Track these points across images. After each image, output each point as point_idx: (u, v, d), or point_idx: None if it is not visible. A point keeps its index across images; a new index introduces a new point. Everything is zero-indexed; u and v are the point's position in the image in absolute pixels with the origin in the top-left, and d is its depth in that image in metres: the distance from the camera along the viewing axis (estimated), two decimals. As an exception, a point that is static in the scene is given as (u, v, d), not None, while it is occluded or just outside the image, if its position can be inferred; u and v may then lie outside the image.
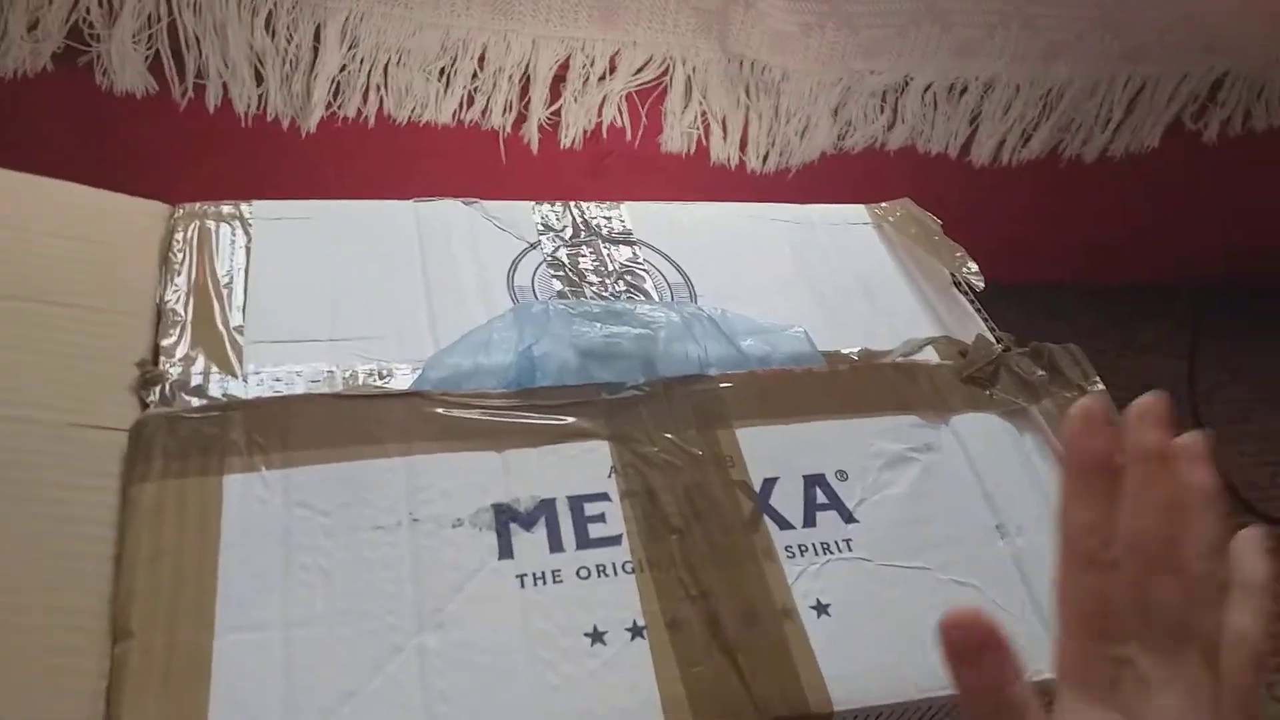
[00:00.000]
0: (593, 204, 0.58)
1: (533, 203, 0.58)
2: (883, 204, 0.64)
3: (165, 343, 0.46)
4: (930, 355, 0.54)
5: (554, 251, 0.55)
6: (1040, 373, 0.51)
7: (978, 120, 0.87)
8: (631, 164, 0.81)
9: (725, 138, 0.82)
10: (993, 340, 0.54)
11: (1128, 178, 0.92)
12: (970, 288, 0.57)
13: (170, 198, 0.53)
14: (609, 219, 0.58)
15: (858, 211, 0.64)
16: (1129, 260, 1.02)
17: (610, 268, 0.55)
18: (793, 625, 0.41)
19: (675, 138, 0.81)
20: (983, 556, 0.45)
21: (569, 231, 0.57)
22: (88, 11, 0.64)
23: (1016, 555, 0.46)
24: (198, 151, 0.72)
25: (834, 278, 0.58)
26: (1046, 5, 0.80)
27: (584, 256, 0.55)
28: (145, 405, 0.43)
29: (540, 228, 0.56)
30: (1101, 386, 0.50)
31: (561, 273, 0.54)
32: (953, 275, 0.59)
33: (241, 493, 0.41)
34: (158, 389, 0.43)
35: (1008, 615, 0.43)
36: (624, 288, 0.54)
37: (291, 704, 0.36)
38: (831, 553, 0.44)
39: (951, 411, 0.50)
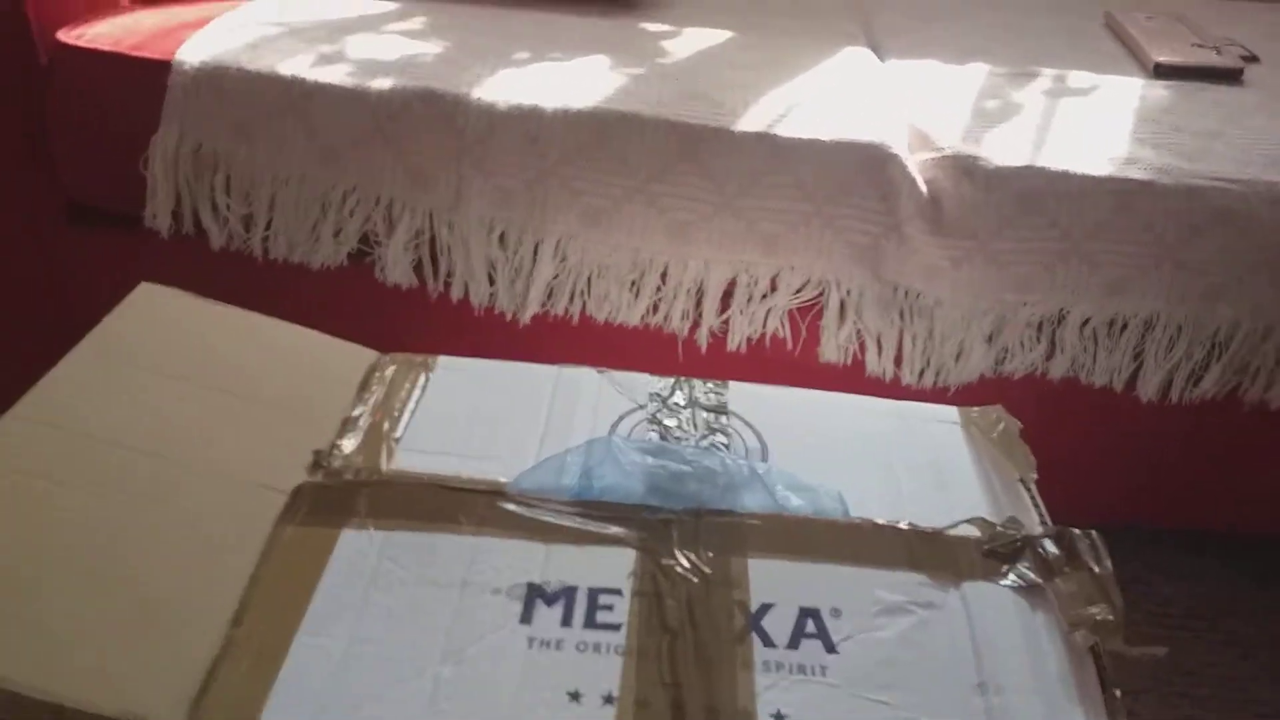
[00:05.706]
0: (702, 380, 0.70)
1: (650, 375, 0.70)
2: (976, 408, 0.70)
3: (341, 441, 0.62)
4: (968, 532, 0.58)
5: (655, 413, 0.67)
6: (1057, 553, 0.54)
7: (1141, 356, 0.89)
8: (789, 370, 0.92)
9: (880, 354, 0.91)
10: (1023, 524, 0.57)
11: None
12: (1028, 488, 0.61)
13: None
14: (713, 393, 0.69)
15: (949, 411, 0.69)
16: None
17: (696, 430, 0.65)
18: (749, 727, 0.47)
19: (831, 350, 0.91)
20: (953, 707, 0.48)
21: (675, 400, 0.68)
22: (375, 225, 0.88)
23: (989, 710, 0.48)
24: (439, 332, 0.92)
25: (907, 462, 0.64)
26: (1197, 250, 0.83)
27: (678, 418, 0.66)
28: (311, 479, 0.59)
29: (652, 395, 0.68)
30: (1110, 568, 0.52)
31: (656, 428, 0.65)
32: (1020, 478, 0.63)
33: (351, 543, 0.54)
34: (322, 470, 0.59)
35: (966, 764, 0.46)
36: (704, 446, 0.64)
37: (329, 695, 0.47)
38: (806, 674, 0.49)
39: (964, 579, 0.54)
